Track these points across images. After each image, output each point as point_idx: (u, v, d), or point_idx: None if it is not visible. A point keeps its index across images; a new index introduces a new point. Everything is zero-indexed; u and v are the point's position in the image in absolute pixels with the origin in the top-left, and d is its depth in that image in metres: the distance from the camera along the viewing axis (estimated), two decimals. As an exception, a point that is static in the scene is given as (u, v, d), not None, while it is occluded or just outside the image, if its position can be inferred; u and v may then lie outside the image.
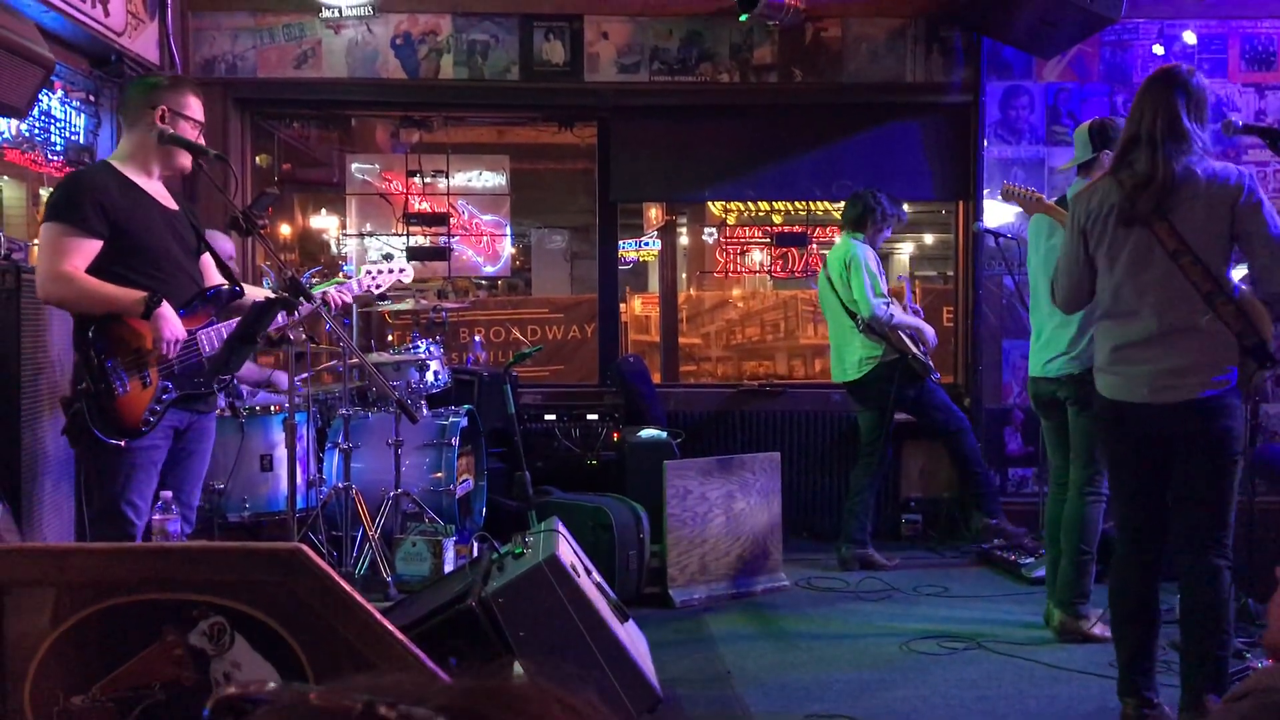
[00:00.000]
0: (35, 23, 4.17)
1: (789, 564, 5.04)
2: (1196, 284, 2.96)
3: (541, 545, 3.24)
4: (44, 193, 4.15)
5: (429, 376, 5.00)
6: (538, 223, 9.44)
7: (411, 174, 6.62)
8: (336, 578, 1.91)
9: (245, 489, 4.56)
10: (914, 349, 5.18)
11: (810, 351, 9.20)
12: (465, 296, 8.01)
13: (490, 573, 3.20)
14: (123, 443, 3.05)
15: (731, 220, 7.83)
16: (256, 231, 3.21)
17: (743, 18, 5.60)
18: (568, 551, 3.31)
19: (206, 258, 3.40)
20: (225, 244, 4.76)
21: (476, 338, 8.07)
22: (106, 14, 4.68)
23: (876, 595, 4.77)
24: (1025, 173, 5.84)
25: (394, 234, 6.68)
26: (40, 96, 4.20)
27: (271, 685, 0.58)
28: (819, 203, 6.81)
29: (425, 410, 4.97)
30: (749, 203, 7.03)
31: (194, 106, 3.28)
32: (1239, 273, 3.18)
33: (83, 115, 4.88)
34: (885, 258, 6.53)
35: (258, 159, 6.66)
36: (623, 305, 7.78)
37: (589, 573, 3.46)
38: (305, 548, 1.92)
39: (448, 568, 4.40)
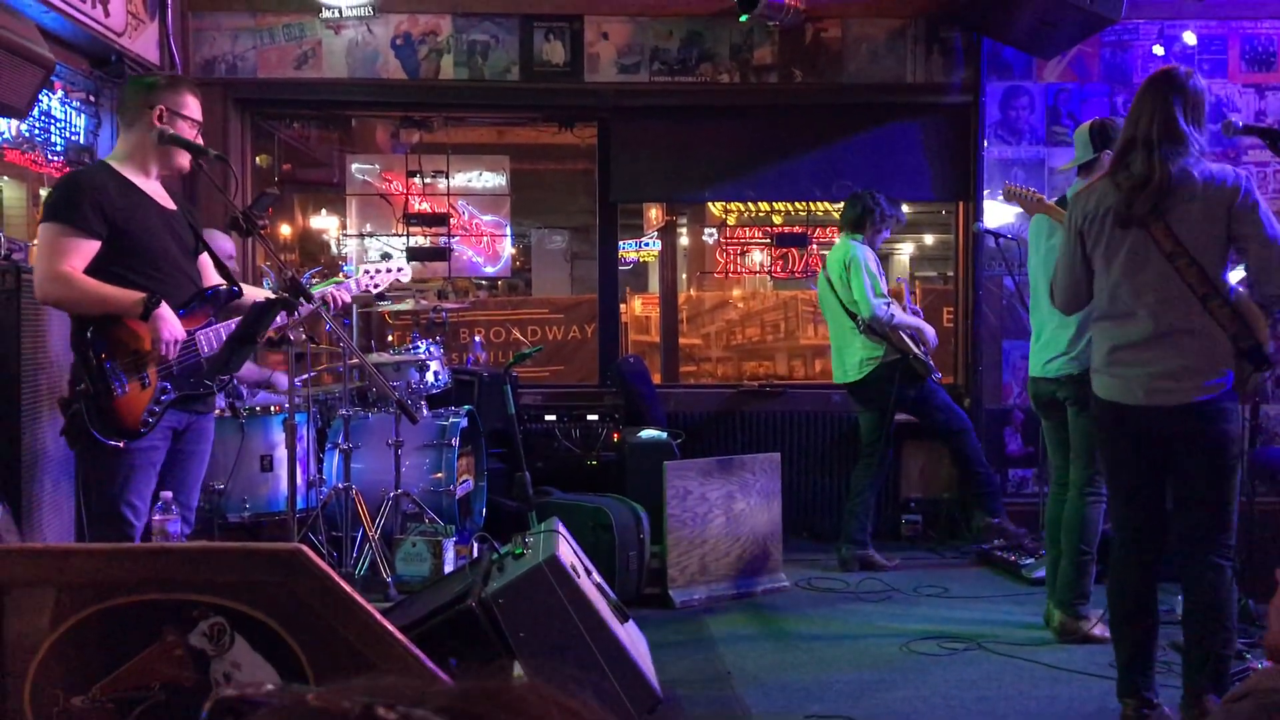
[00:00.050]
0: (35, 23, 4.17)
1: (789, 564, 5.04)
2: (1192, 286, 2.97)
3: (541, 546, 3.24)
4: (44, 193, 4.15)
5: (429, 377, 5.00)
6: (538, 223, 9.45)
7: (411, 174, 6.63)
8: (336, 578, 1.91)
9: (245, 489, 4.56)
10: (915, 349, 5.18)
11: (810, 352, 9.20)
12: (465, 297, 8.01)
13: (490, 573, 3.20)
14: (121, 444, 3.05)
15: (731, 221, 7.83)
16: (256, 232, 3.20)
17: (743, 18, 5.60)
18: (568, 552, 3.31)
19: (204, 257, 3.39)
20: (225, 244, 4.76)
21: (476, 338, 8.07)
22: (106, 14, 4.69)
23: (877, 596, 4.77)
24: (1025, 173, 5.84)
25: (394, 234, 6.68)
26: (40, 97, 4.20)
27: (269, 686, 0.58)
28: (819, 203, 6.81)
29: (425, 411, 4.98)
30: (749, 203, 7.03)
31: (192, 106, 3.28)
32: (1236, 275, 3.19)
33: (83, 115, 4.88)
34: (885, 259, 6.54)
35: (258, 159, 6.66)
36: (623, 306, 7.78)
37: (589, 573, 3.46)
38: (305, 548, 1.92)
39: (448, 568, 4.40)
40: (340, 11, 5.68)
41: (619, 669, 3.08)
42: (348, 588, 1.91)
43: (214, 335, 3.25)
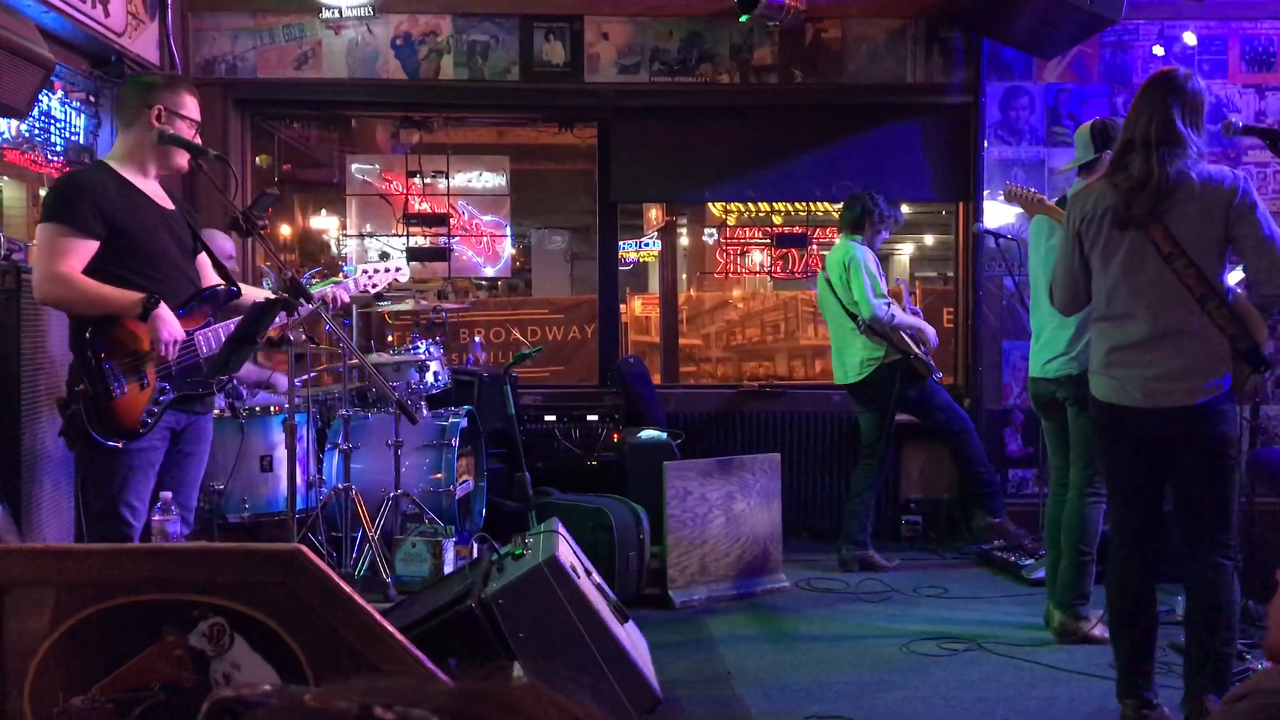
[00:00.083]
0: (35, 23, 4.17)
1: (789, 565, 5.04)
2: (1190, 287, 2.97)
3: (541, 546, 3.24)
4: (44, 193, 4.15)
5: (429, 377, 5.00)
6: (538, 223, 9.45)
7: (411, 174, 6.63)
8: (336, 579, 1.91)
9: (245, 490, 4.56)
10: (916, 349, 5.18)
11: (810, 352, 9.20)
12: (465, 297, 8.01)
13: (490, 574, 3.20)
14: (120, 444, 3.04)
15: (731, 221, 7.84)
16: (256, 232, 3.20)
17: (743, 18, 5.60)
18: (567, 552, 3.31)
19: (203, 257, 3.39)
20: (225, 244, 4.76)
21: (476, 338, 8.07)
22: (106, 14, 4.69)
23: (876, 596, 4.77)
24: (1025, 173, 5.84)
25: (394, 234, 6.68)
26: (40, 97, 4.20)
27: (266, 687, 0.58)
28: (819, 203, 6.82)
29: (425, 411, 4.97)
30: (749, 203, 7.03)
31: (190, 105, 3.27)
32: (1236, 276, 3.19)
33: (83, 116, 4.88)
34: (885, 259, 6.54)
35: (258, 159, 6.66)
36: (623, 306, 7.78)
37: (589, 574, 3.46)
38: (305, 549, 1.92)
39: (447, 569, 4.40)
40: (340, 12, 5.69)
41: (619, 669, 3.08)
42: (347, 588, 1.91)
43: (213, 336, 3.25)
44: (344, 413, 4.64)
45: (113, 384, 3.02)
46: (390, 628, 1.92)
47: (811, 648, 4.08)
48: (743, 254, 7.29)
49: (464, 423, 5.06)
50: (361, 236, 6.82)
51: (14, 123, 4.38)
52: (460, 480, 4.97)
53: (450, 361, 5.73)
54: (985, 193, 5.86)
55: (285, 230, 8.47)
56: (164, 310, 3.06)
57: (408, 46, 5.78)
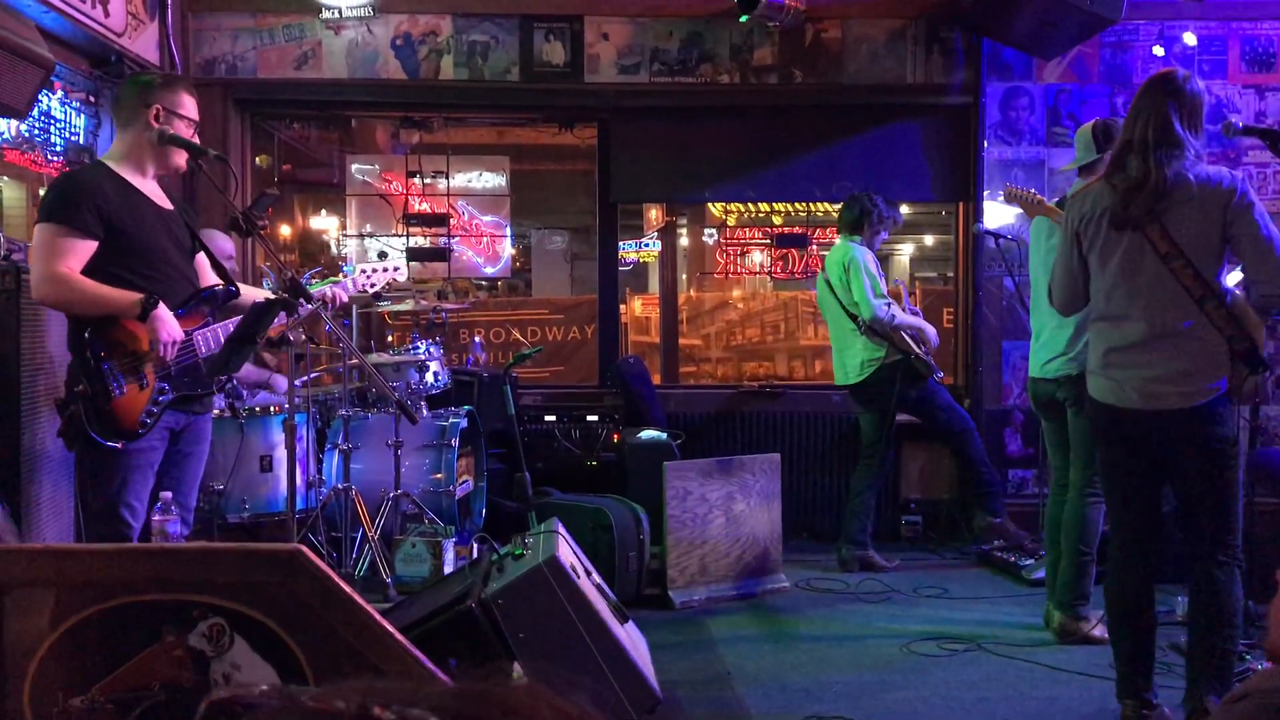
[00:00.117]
0: (35, 23, 4.17)
1: (789, 565, 5.04)
2: (1188, 288, 2.98)
3: (541, 546, 3.24)
4: (43, 193, 4.15)
5: (429, 377, 5.00)
6: (538, 224, 9.45)
7: (411, 175, 6.62)
8: (336, 579, 1.91)
9: (245, 490, 4.55)
10: (917, 349, 5.18)
11: (810, 353, 9.20)
12: (465, 297, 8.01)
13: (490, 574, 3.20)
14: (119, 445, 3.04)
15: (732, 221, 7.84)
16: (256, 232, 3.20)
17: (743, 19, 5.60)
18: (567, 553, 3.31)
19: (201, 257, 3.38)
20: (225, 244, 4.76)
21: (476, 339, 8.07)
22: (106, 14, 4.69)
23: (876, 596, 4.77)
24: (1025, 174, 5.84)
25: (394, 235, 6.68)
26: (40, 97, 4.20)
27: (263, 687, 0.58)
28: (819, 204, 6.81)
29: (425, 411, 4.97)
30: (749, 204, 7.03)
31: (188, 105, 3.26)
32: (1235, 278, 3.19)
33: (83, 116, 4.88)
34: (884, 260, 6.54)
35: (258, 159, 6.66)
36: (623, 306, 7.78)
37: (589, 574, 3.46)
38: (305, 549, 1.92)
39: (447, 569, 4.40)
40: (340, 12, 5.69)
41: (619, 670, 3.08)
42: (347, 588, 1.91)
43: (211, 336, 3.24)
44: (344, 413, 4.64)
45: (112, 384, 3.02)
46: (390, 628, 1.92)
47: (811, 648, 4.08)
48: (743, 254, 7.30)
49: (464, 423, 5.06)
50: (361, 237, 6.82)
51: (14, 123, 4.38)
52: (460, 480, 4.97)
53: (450, 362, 5.73)
54: (985, 193, 5.86)
55: (285, 230, 8.47)
56: (163, 311, 3.06)
57: (408, 46, 5.78)
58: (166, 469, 3.22)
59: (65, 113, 4.76)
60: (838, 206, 5.64)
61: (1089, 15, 5.07)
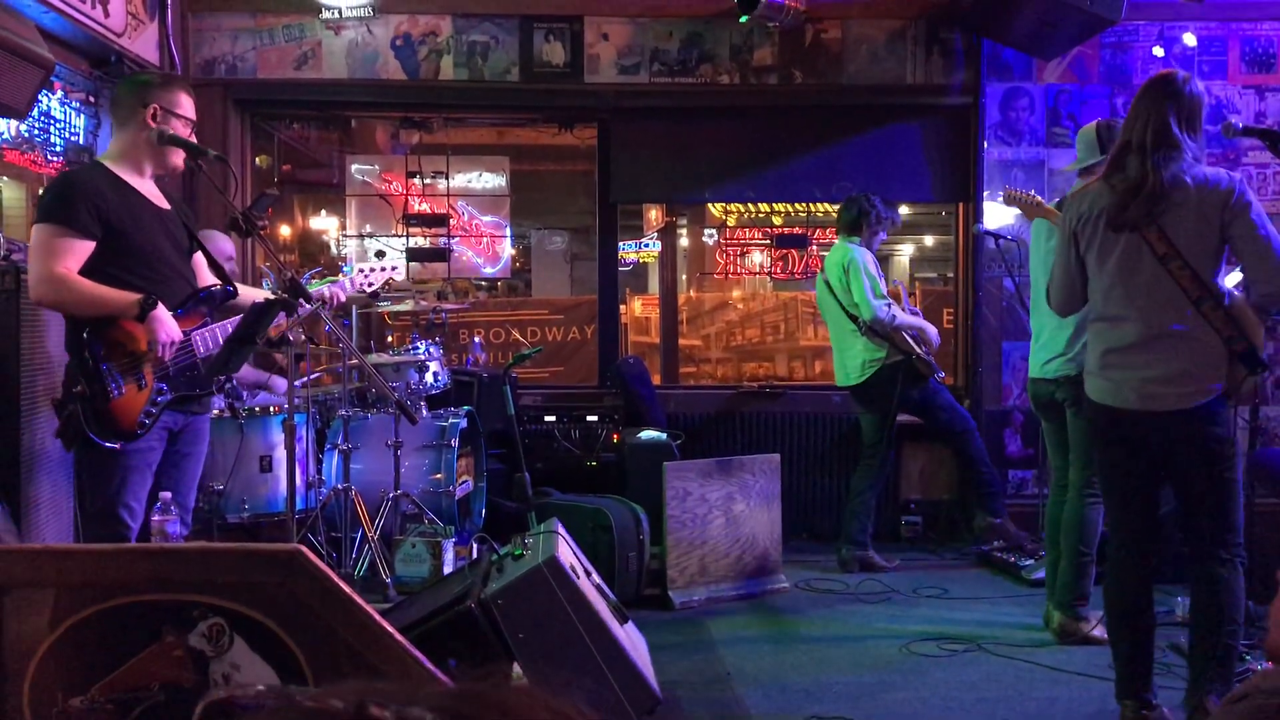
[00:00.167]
0: (35, 23, 4.17)
1: (789, 565, 5.04)
2: (1186, 289, 2.98)
3: (541, 547, 3.23)
4: (41, 194, 4.15)
5: (428, 378, 4.99)
6: (538, 224, 9.45)
7: (411, 175, 6.62)
8: (336, 579, 1.91)
9: (244, 490, 4.55)
10: (918, 349, 5.18)
11: (810, 353, 9.20)
12: (465, 298, 8.01)
13: (490, 574, 3.20)
14: (118, 445, 3.04)
15: (731, 222, 7.84)
16: (256, 232, 3.20)
17: (743, 19, 5.60)
18: (567, 553, 3.31)
19: (199, 257, 3.38)
20: (224, 245, 4.76)
21: (476, 339, 8.07)
22: (106, 15, 4.69)
23: (876, 597, 4.77)
24: (1025, 174, 5.84)
25: (394, 235, 6.68)
26: (40, 97, 4.20)
27: (260, 688, 0.58)
28: (819, 204, 6.82)
29: (425, 411, 4.97)
30: (749, 204, 7.03)
31: (186, 104, 3.26)
32: (1234, 279, 3.19)
33: (82, 116, 4.88)
34: (884, 260, 6.54)
35: (257, 160, 6.66)
36: (623, 307, 7.78)
37: (588, 574, 3.46)
38: (304, 549, 1.92)
39: (447, 569, 4.40)
40: (340, 12, 5.68)
41: (618, 670, 3.08)
42: (347, 589, 1.91)
43: (210, 336, 3.24)
44: (343, 413, 4.64)
45: (110, 385, 3.01)
46: (390, 628, 1.92)
47: (811, 648, 4.08)
48: (743, 255, 7.30)
49: (464, 423, 5.06)
50: (361, 237, 6.82)
51: (14, 123, 4.38)
52: (460, 481, 4.97)
53: (450, 362, 5.73)
54: (985, 194, 5.86)
55: (285, 231, 8.47)
56: (161, 311, 3.05)
57: (408, 47, 5.78)
58: (165, 469, 3.21)
59: (65, 113, 4.76)
60: (838, 207, 5.64)
61: (1089, 16, 5.07)
